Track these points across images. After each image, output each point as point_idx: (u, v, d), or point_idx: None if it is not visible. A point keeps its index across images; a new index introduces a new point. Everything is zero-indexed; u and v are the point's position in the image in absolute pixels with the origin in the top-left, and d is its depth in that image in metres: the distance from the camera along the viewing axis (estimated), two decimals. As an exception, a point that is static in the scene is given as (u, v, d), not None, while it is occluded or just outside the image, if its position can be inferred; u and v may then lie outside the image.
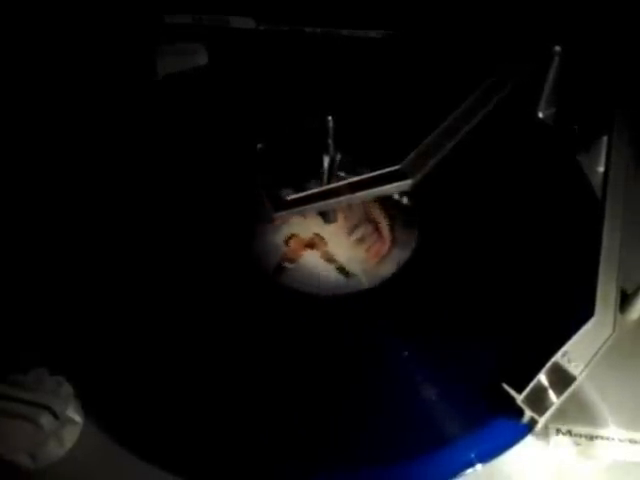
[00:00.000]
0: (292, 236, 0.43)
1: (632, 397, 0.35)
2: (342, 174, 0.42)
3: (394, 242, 0.44)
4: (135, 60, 0.52)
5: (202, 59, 0.53)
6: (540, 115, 0.48)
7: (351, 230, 0.44)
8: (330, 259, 0.43)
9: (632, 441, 0.33)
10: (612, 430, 0.34)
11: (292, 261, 0.42)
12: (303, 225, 0.44)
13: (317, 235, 0.44)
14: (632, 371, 0.36)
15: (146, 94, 0.51)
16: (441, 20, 0.53)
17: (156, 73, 0.51)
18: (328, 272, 0.42)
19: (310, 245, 0.43)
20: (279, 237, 0.43)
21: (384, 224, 0.44)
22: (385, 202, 0.45)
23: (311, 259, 0.43)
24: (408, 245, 0.42)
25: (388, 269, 0.42)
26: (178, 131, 0.49)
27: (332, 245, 0.43)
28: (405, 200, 0.44)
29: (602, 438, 0.33)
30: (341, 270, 0.42)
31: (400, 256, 0.42)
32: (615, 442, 0.33)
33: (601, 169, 0.44)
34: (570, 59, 0.45)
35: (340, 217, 0.45)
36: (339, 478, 0.33)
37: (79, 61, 0.51)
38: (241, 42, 0.54)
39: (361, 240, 0.44)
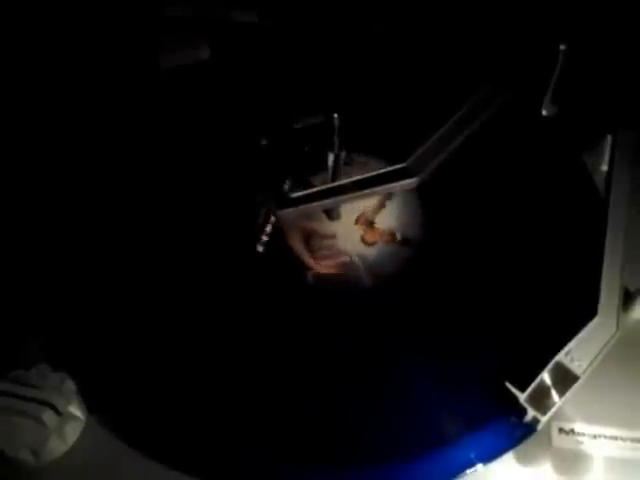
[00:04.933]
0: (362, 237, 0.43)
1: (635, 395, 0.35)
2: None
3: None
4: (137, 54, 0.51)
5: (204, 53, 0.52)
6: (544, 113, 0.48)
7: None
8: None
9: (635, 440, 0.33)
10: (615, 429, 0.34)
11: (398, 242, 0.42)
12: (346, 235, 0.43)
13: (362, 226, 0.43)
14: (635, 369, 0.36)
15: (148, 88, 0.50)
16: (445, 18, 0.53)
17: (158, 67, 0.51)
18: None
19: (374, 230, 0.43)
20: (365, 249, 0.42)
21: None
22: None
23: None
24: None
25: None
26: (180, 127, 0.48)
27: (378, 218, 0.44)
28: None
29: (605, 437, 0.33)
30: None
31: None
32: (618, 441, 0.33)
33: (605, 168, 0.44)
34: (574, 57, 0.45)
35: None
36: (340, 477, 0.33)
37: (80, 55, 0.51)
38: (244, 36, 0.53)
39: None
